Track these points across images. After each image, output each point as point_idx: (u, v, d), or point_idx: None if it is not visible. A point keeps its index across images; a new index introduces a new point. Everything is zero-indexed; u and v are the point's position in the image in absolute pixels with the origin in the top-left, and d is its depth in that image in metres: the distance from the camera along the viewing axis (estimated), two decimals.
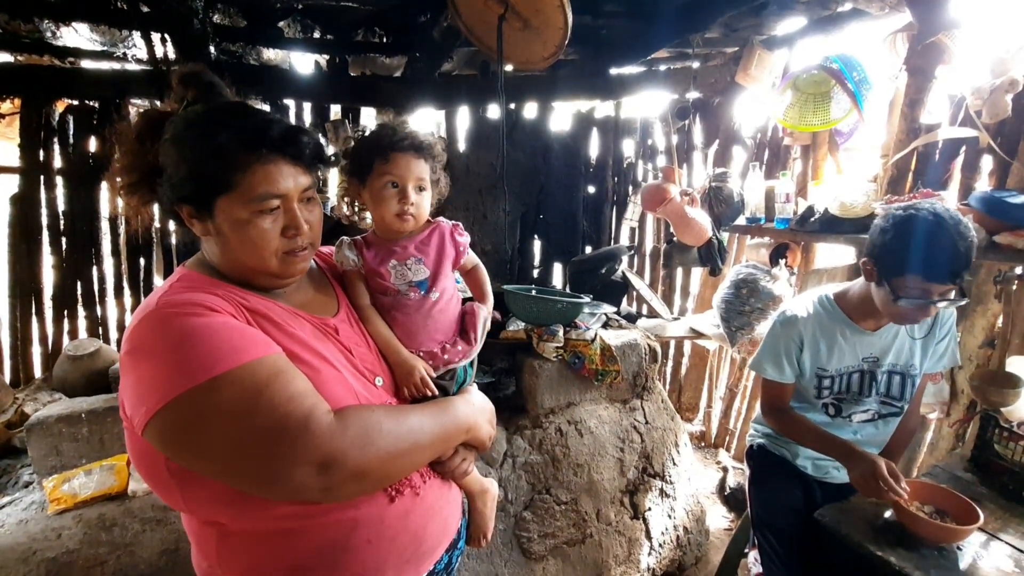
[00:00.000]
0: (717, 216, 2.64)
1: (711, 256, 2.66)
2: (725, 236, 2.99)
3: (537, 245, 3.33)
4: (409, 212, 1.02)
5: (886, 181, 2.24)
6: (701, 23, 2.43)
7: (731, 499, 2.77)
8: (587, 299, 2.15)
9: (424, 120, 3.33)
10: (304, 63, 3.34)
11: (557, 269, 3.37)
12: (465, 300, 1.18)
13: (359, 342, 0.96)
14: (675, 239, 2.73)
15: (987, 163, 2.05)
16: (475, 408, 1.03)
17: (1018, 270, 1.87)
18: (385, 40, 2.98)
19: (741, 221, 2.70)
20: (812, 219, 2.27)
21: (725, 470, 2.98)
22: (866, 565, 1.44)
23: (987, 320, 1.98)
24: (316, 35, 2.96)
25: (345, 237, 1.08)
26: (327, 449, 0.70)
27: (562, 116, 3.25)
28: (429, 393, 0.98)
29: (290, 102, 2.96)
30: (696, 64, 3.10)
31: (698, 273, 3.37)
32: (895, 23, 2.30)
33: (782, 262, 2.64)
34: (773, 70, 2.72)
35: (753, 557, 1.85)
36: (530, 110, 3.18)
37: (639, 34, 2.64)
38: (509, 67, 3.02)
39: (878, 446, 1.62)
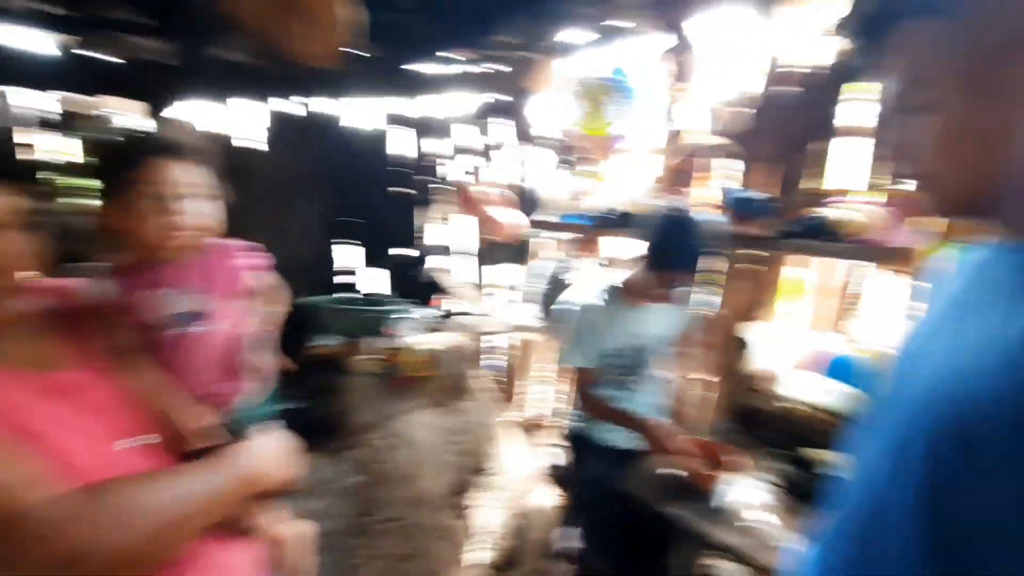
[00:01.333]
0: (526, 213, 2.77)
1: (522, 252, 2.79)
2: (535, 232, 3.17)
3: (349, 251, 3.15)
4: (176, 229, 0.85)
5: (664, 182, 2.57)
6: (492, 27, 2.51)
7: (559, 478, 2.96)
8: (402, 304, 2.09)
9: (202, 115, 2.91)
10: (44, 43, 2.66)
11: (372, 275, 3.24)
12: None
13: (109, 397, 0.78)
14: (486, 237, 2.81)
15: (734, 166, 2.46)
16: (265, 452, 0.91)
17: (756, 254, 2.27)
18: (145, 19, 2.51)
19: (548, 218, 2.88)
20: (608, 215, 2.50)
21: (553, 454, 3.17)
22: (657, 523, 1.65)
23: (735, 296, 2.39)
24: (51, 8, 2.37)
25: (94, 263, 0.86)
26: (69, 542, 0.57)
27: (366, 114, 3.11)
28: (212, 444, 0.84)
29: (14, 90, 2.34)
30: (497, 66, 3.21)
31: (515, 270, 3.51)
32: (663, 40, 2.63)
33: (585, 255, 2.88)
34: (562, 76, 2.93)
35: (568, 533, 1.99)
36: (331, 106, 2.98)
37: (434, 33, 2.63)
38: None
39: (658, 408, 1.87)
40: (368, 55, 2.88)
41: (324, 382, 1.95)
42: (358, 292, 3.08)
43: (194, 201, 0.88)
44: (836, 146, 2.06)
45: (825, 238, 1.84)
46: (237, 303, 0.97)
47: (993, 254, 0.59)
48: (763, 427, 1.89)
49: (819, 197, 2.01)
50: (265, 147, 2.80)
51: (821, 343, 2.04)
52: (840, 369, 1.88)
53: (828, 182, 2.10)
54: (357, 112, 3.09)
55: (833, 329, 2.20)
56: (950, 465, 0.48)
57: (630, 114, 2.50)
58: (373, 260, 3.12)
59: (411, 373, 1.96)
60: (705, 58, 2.35)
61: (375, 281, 3.22)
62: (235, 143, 2.74)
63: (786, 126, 2.15)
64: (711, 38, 2.39)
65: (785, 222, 1.98)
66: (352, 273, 3.15)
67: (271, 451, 0.94)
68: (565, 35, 2.90)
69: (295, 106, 2.79)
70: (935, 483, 0.49)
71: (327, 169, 2.94)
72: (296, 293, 2.81)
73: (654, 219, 1.59)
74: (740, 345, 2.12)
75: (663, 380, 1.84)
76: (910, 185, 0.59)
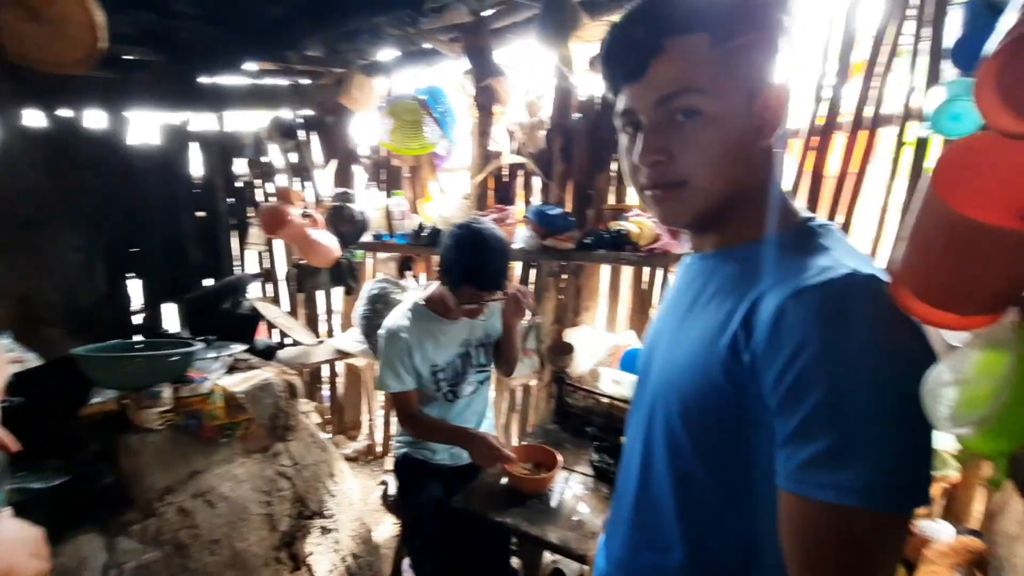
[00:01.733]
0: (343, 234, 2.66)
1: (341, 275, 2.68)
2: (359, 253, 3.06)
3: (136, 285, 2.69)
4: None
5: (474, 198, 2.67)
6: (294, 41, 2.38)
7: (394, 505, 2.87)
8: (198, 344, 1.85)
9: None
10: None
11: (169, 311, 2.81)
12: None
13: None
14: (303, 262, 2.63)
15: (537, 183, 2.67)
16: (4, 546, 0.73)
17: (562, 264, 2.49)
18: None
19: (368, 238, 2.80)
20: (424, 233, 2.52)
21: (384, 482, 3.06)
22: (496, 533, 1.69)
23: (552, 303, 2.59)
24: None
25: None
26: None
27: (147, 129, 2.70)
28: None
29: None
30: (303, 80, 3.04)
31: (339, 292, 3.35)
32: (465, 65, 2.75)
33: (408, 273, 2.86)
34: (375, 94, 2.90)
35: (407, 563, 1.95)
36: (98, 120, 2.52)
37: (227, 43, 2.40)
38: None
39: (482, 415, 1.91)
40: (154, 63, 2.51)
41: (103, 446, 1.63)
42: (156, 333, 2.64)
43: None
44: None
45: (620, 248, 2.09)
46: None
47: (700, 262, 0.75)
48: (586, 423, 2.05)
49: (617, 212, 2.28)
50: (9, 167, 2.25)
51: (621, 340, 2.30)
52: (631, 361, 2.15)
53: (624, 197, 2.39)
54: (145, 128, 2.66)
55: (629, 327, 2.50)
56: (678, 433, 0.67)
57: (441, 134, 2.56)
58: (170, 294, 2.70)
59: (216, 422, 1.73)
60: (504, 84, 2.52)
61: (169, 319, 2.79)
62: None
63: (580, 147, 2.40)
64: (510, 65, 2.58)
65: (586, 234, 2.20)
66: (144, 311, 2.68)
67: (21, 540, 0.77)
68: (376, 53, 2.87)
69: (55, 120, 2.30)
70: (671, 446, 0.68)
71: (107, 194, 2.47)
72: (70, 341, 2.33)
73: (452, 241, 1.57)
74: (563, 349, 2.29)
75: (484, 390, 1.90)
76: (649, 197, 0.69)
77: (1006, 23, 0.48)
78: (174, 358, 1.69)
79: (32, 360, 1.96)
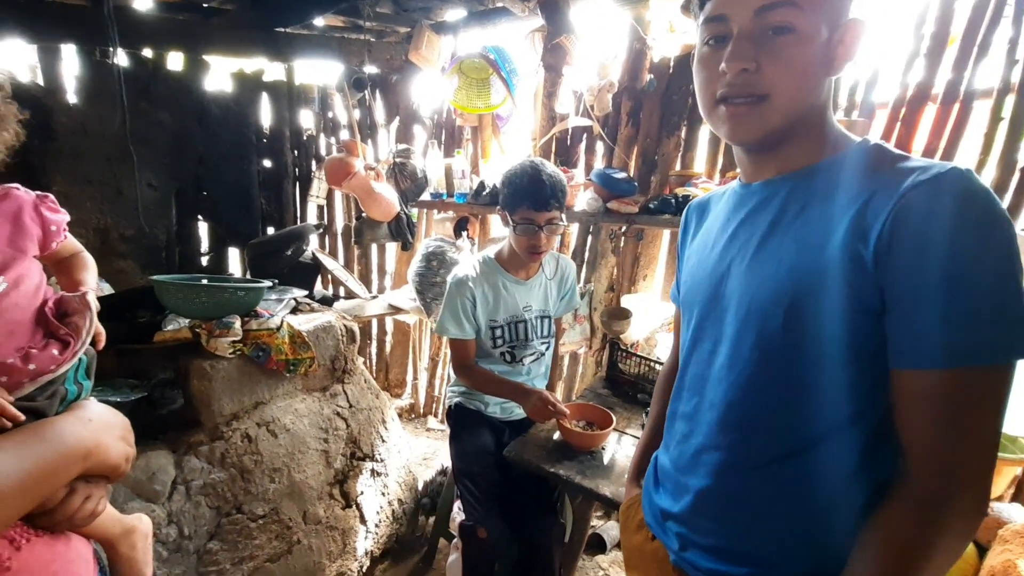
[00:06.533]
0: (403, 191, 2.68)
1: (401, 231, 2.70)
2: (414, 212, 3.08)
3: (204, 228, 2.79)
4: None
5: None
6: None
7: (447, 452, 2.93)
8: (268, 284, 1.90)
9: (7, 57, 2.38)
10: None
11: (234, 255, 2.91)
12: None
13: None
14: (364, 215, 2.67)
15: (601, 147, 2.61)
16: (94, 424, 0.76)
17: (623, 228, 2.44)
18: None
19: (426, 196, 2.81)
20: (484, 193, 2.51)
21: (433, 432, 3.12)
22: (544, 483, 1.70)
23: (608, 270, 2.55)
24: None
25: None
26: None
27: (221, 75, 2.77)
28: (7, 424, 0.67)
29: None
30: (371, 38, 3.05)
31: (393, 250, 3.40)
32: (534, 24, 2.70)
33: (464, 233, 2.87)
34: (442, 53, 2.88)
35: (457, 507, 1.98)
36: (175, 62, 2.61)
37: None
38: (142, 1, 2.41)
39: (543, 377, 1.94)
40: (231, 10, 2.57)
41: (176, 370, 1.70)
42: (228, 274, 2.75)
43: None
44: (699, 132, 2.28)
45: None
46: (32, 259, 0.80)
47: (764, 189, 0.77)
48: (638, 390, 2.03)
49: (684, 178, 2.21)
50: (90, 101, 2.36)
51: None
52: None
53: (691, 164, 2.31)
54: (215, 72, 2.73)
55: None
56: (779, 343, 0.69)
57: (507, 94, 2.52)
58: (241, 239, 2.79)
59: (283, 356, 1.79)
60: (575, 44, 2.45)
61: (233, 263, 2.89)
62: (53, 93, 2.27)
63: (650, 110, 2.33)
64: (582, 25, 2.51)
65: (651, 199, 2.14)
66: (211, 253, 2.78)
67: (109, 423, 0.79)
68: (445, 12, 2.85)
69: (137, 60, 2.39)
70: (770, 358, 0.71)
71: (182, 136, 2.56)
72: (141, 275, 2.44)
73: (507, 173, 1.66)
74: (620, 314, 2.26)
75: (543, 349, 1.89)
76: (724, 111, 0.71)
77: None
78: (243, 292, 1.74)
79: (106, 290, 2.07)
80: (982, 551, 1.27)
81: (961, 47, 1.74)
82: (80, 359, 0.81)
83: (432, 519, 2.25)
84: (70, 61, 2.37)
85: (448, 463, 2.22)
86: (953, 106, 1.78)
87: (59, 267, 0.93)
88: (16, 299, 0.75)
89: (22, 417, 0.68)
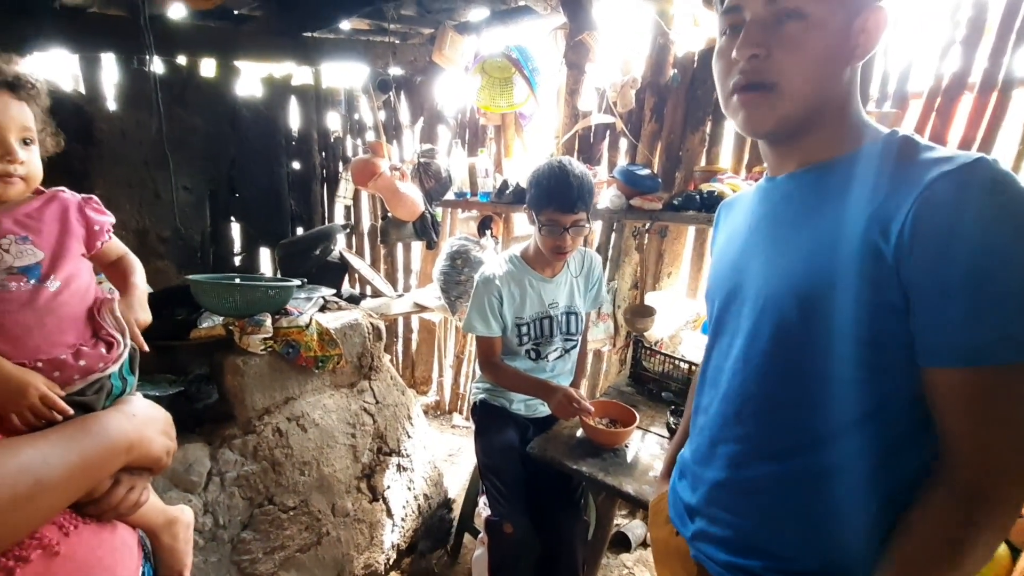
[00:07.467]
0: (427, 191, 2.71)
1: (426, 230, 2.73)
2: (438, 211, 3.11)
3: (236, 229, 2.88)
4: (15, 173, 0.75)
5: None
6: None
7: (472, 449, 2.96)
8: (297, 283, 1.95)
9: (52, 67, 2.50)
10: None
11: (265, 255, 2.99)
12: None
13: None
14: (389, 215, 2.71)
15: (624, 144, 2.60)
16: (138, 419, 0.80)
17: (647, 225, 2.42)
18: None
19: (450, 196, 2.84)
20: (507, 191, 2.52)
21: (458, 429, 3.16)
22: (568, 480, 1.70)
23: (632, 267, 2.54)
24: None
25: None
26: None
27: (251, 80, 2.85)
28: (58, 417, 0.72)
29: None
30: (395, 40, 3.09)
31: (418, 249, 3.44)
32: (556, 21, 2.70)
33: (488, 232, 2.89)
34: (465, 53, 2.91)
35: (482, 502, 2.00)
36: (208, 68, 2.69)
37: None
38: (176, 10, 2.49)
39: (568, 375, 1.93)
40: (260, 16, 2.64)
41: (211, 366, 1.77)
42: (258, 273, 2.83)
43: (32, 141, 0.78)
44: (724, 127, 2.25)
45: (712, 210, 2.00)
46: (81, 259, 0.85)
47: (788, 182, 0.76)
48: (662, 387, 2.01)
49: (709, 174, 2.18)
50: (128, 107, 2.46)
51: (703, 308, 2.21)
52: None
53: (717, 160, 2.29)
54: (246, 77, 2.81)
55: None
56: (799, 338, 0.68)
57: (530, 92, 2.53)
58: (266, 239, 2.87)
59: (312, 353, 1.84)
60: (598, 40, 2.44)
61: (274, 262, 2.98)
62: (94, 100, 2.37)
63: (675, 105, 2.31)
64: (604, 21, 2.50)
65: (675, 195, 2.12)
66: (243, 253, 2.87)
67: (152, 418, 0.83)
68: (468, 13, 2.88)
69: (171, 67, 2.48)
70: (789, 354, 0.70)
71: (214, 140, 2.65)
72: (177, 275, 2.53)
73: (534, 174, 1.64)
74: (644, 312, 2.24)
75: (568, 346, 1.90)
76: (737, 102, 0.70)
77: None
78: (274, 291, 1.80)
79: None
80: (1015, 552, 1.24)
81: (999, 33, 1.68)
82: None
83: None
84: (109, 69, 2.48)
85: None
86: (991, 95, 1.72)
87: (110, 270, 0.98)
88: (67, 298, 0.79)
89: (71, 411, 0.73)
